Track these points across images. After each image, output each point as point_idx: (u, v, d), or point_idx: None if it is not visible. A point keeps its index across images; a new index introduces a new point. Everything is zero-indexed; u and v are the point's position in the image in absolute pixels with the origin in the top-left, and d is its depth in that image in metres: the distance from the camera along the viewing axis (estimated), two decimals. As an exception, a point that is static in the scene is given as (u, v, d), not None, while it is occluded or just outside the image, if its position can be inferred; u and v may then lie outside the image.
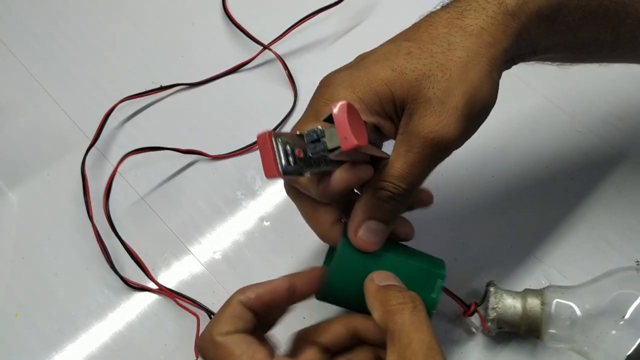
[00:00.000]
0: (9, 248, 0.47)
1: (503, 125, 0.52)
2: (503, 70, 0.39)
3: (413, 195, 0.37)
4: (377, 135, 0.37)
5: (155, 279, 0.46)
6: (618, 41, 0.41)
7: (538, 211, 0.49)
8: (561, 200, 0.49)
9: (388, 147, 0.38)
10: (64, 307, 0.45)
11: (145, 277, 0.46)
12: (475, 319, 0.44)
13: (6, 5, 0.59)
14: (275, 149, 0.31)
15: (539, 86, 0.56)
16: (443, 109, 0.35)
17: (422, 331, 0.32)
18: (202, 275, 0.47)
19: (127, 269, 0.46)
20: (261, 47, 0.56)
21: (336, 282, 0.37)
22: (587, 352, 0.40)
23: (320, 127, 0.31)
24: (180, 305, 0.45)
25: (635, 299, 0.39)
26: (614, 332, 0.39)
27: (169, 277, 0.46)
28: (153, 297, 0.46)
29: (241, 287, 0.46)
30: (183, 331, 0.44)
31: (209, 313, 0.44)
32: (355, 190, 0.39)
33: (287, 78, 0.55)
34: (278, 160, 0.31)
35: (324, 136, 0.31)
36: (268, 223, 0.49)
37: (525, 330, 0.41)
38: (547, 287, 0.42)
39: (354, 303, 0.37)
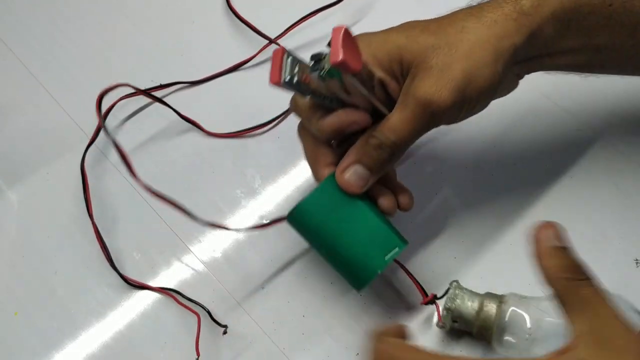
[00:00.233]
0: (9, 247, 0.47)
1: (502, 123, 0.51)
2: (517, 71, 0.42)
3: (400, 150, 0.40)
4: (383, 92, 0.40)
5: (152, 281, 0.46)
6: (634, 48, 0.42)
7: (537, 209, 0.49)
8: (560, 198, 0.49)
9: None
10: (63, 305, 0.45)
11: (146, 275, 0.46)
12: (433, 315, 0.44)
13: (6, 4, 0.59)
14: (284, 63, 0.35)
15: (539, 85, 0.56)
16: (441, 77, 0.38)
17: (610, 306, 0.33)
18: (202, 273, 0.47)
19: (127, 267, 0.46)
20: (266, 42, 0.56)
21: (309, 208, 0.41)
22: None
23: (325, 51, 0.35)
24: (182, 304, 0.45)
25: None
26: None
27: (170, 276, 0.46)
28: (153, 295, 0.46)
29: (241, 286, 0.46)
30: (183, 330, 0.44)
31: (209, 312, 0.44)
32: None
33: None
34: (282, 72, 0.35)
35: (324, 58, 0.35)
36: (267, 221, 0.49)
37: (477, 331, 0.41)
38: (509, 293, 0.41)
39: (316, 236, 0.41)
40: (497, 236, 0.48)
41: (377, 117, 0.40)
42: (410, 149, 0.44)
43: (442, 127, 0.42)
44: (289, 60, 0.36)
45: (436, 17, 0.41)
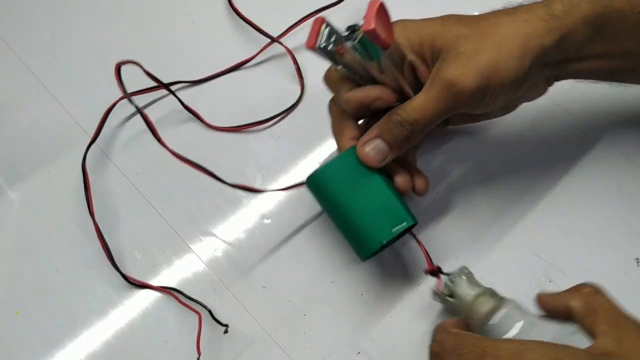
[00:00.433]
0: (10, 246, 0.47)
1: (503, 123, 0.51)
2: (546, 74, 0.43)
3: (420, 129, 0.41)
4: (412, 76, 0.42)
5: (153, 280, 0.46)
6: None
7: (538, 209, 0.49)
8: (561, 198, 0.49)
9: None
10: (65, 304, 0.45)
11: (147, 274, 0.46)
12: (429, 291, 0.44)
13: (7, 4, 0.59)
14: (321, 31, 0.38)
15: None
16: (468, 63, 0.40)
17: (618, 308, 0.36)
18: (203, 272, 0.47)
19: (129, 267, 0.46)
20: (269, 40, 0.56)
21: (328, 175, 0.42)
22: None
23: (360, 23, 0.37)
24: (183, 304, 0.45)
25: None
26: None
27: (171, 275, 0.46)
28: (154, 294, 0.46)
29: (242, 285, 0.46)
30: (184, 329, 0.44)
31: (210, 311, 0.44)
32: None
33: (295, 72, 0.55)
34: (319, 39, 0.38)
35: (358, 29, 0.38)
36: (269, 220, 0.49)
37: (463, 317, 0.41)
38: (511, 299, 0.41)
39: (330, 201, 0.43)
40: (497, 235, 0.48)
41: (404, 99, 0.42)
42: (431, 147, 0.44)
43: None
44: (327, 29, 0.38)
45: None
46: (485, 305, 0.40)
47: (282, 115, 0.54)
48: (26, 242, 0.47)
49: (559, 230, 0.48)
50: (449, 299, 0.41)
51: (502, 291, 0.46)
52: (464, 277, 0.42)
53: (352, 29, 0.39)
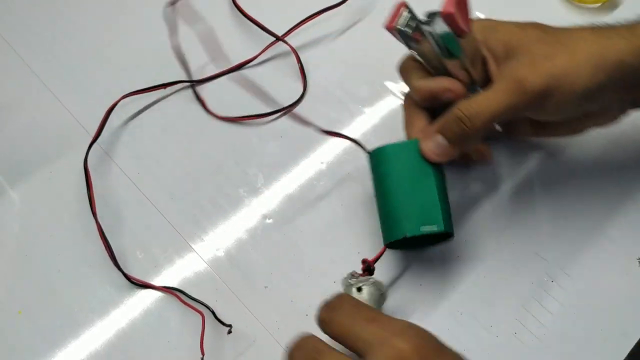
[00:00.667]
0: (12, 246, 0.47)
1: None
2: (623, 95, 0.42)
3: (479, 127, 0.40)
4: (484, 73, 0.42)
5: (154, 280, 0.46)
6: None
7: (539, 208, 0.49)
8: (562, 197, 0.49)
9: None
10: (67, 304, 0.45)
11: (149, 274, 0.46)
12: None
13: (8, 4, 0.59)
14: (400, 13, 0.40)
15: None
16: (539, 64, 0.39)
17: None
18: (205, 272, 0.47)
19: (131, 267, 0.46)
20: (272, 40, 0.56)
21: (389, 154, 0.42)
22: None
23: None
24: (186, 303, 0.45)
25: None
26: None
27: (173, 275, 0.47)
28: (156, 294, 0.46)
29: (244, 285, 0.46)
30: (186, 328, 0.44)
31: (213, 312, 0.44)
32: None
33: (298, 71, 0.55)
34: (397, 20, 0.39)
35: (437, 15, 0.39)
36: (270, 220, 0.49)
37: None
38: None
39: (381, 179, 0.43)
40: (498, 234, 0.48)
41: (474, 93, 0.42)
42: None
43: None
44: (407, 13, 0.39)
45: None
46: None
47: (284, 111, 0.54)
48: (28, 242, 0.47)
49: (560, 229, 0.48)
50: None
51: (503, 292, 0.46)
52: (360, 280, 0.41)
53: (432, 14, 0.39)
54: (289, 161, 0.52)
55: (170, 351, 0.44)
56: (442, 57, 0.41)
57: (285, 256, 0.47)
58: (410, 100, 0.45)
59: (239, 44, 0.57)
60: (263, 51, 0.56)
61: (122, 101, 0.52)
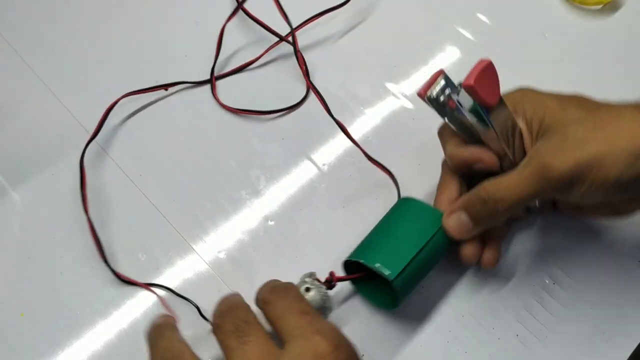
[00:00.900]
0: (14, 248, 0.47)
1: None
2: None
3: (505, 210, 0.39)
4: (522, 146, 0.41)
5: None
6: None
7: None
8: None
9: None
10: (69, 306, 0.45)
11: (150, 275, 0.46)
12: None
13: (8, 3, 0.59)
14: (436, 82, 0.39)
15: (542, 86, 0.56)
16: (570, 149, 0.37)
17: None
18: (206, 274, 0.47)
19: (132, 268, 0.46)
20: (276, 40, 0.56)
21: (409, 208, 0.43)
22: None
23: None
24: (164, 305, 0.45)
25: None
26: None
27: (174, 276, 0.46)
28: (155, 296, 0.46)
29: (246, 286, 0.46)
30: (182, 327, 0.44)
31: (197, 308, 0.44)
32: None
33: (301, 72, 0.55)
34: (431, 89, 0.39)
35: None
36: (272, 222, 0.49)
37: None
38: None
39: (387, 222, 0.44)
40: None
41: (508, 166, 0.42)
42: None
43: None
44: (442, 82, 0.39)
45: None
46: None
47: (286, 111, 0.54)
48: (30, 244, 0.47)
49: (561, 231, 0.48)
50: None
51: (504, 294, 0.46)
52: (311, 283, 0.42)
53: (460, 85, 0.39)
54: (290, 163, 0.52)
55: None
56: (475, 127, 0.41)
57: (286, 258, 0.47)
58: (445, 167, 0.45)
59: (239, 45, 0.57)
60: (266, 51, 0.56)
61: (122, 102, 0.52)
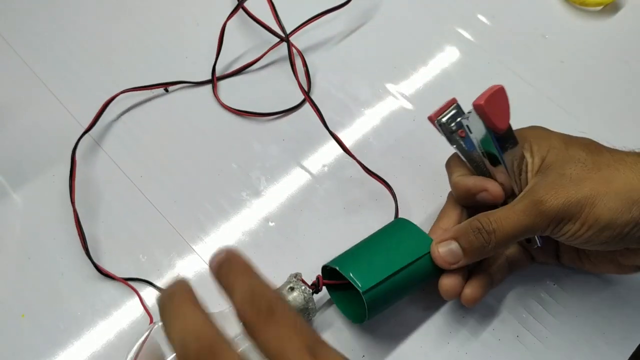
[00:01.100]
0: (15, 249, 0.47)
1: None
2: None
3: (498, 243, 0.39)
4: (526, 178, 0.41)
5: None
6: None
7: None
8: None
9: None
10: (70, 306, 0.45)
11: (151, 277, 0.46)
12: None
13: (8, 3, 0.59)
14: (448, 110, 0.41)
15: (543, 87, 0.56)
16: (566, 186, 0.37)
17: None
18: (206, 275, 0.47)
19: (133, 270, 0.46)
20: (277, 40, 0.56)
21: (402, 228, 0.43)
22: None
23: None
24: (143, 305, 0.45)
25: None
26: None
27: (174, 277, 0.47)
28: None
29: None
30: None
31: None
32: None
33: (303, 73, 0.56)
34: (442, 114, 0.41)
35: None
36: (273, 223, 0.49)
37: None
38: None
39: (378, 234, 0.44)
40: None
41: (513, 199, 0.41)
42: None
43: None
44: (454, 111, 0.41)
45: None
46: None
47: (287, 112, 0.54)
48: (31, 245, 0.47)
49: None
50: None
51: (505, 295, 0.46)
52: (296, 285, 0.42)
53: (470, 112, 0.40)
54: (291, 164, 0.52)
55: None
56: (483, 156, 0.41)
57: (287, 259, 0.47)
58: (451, 197, 0.45)
59: (240, 46, 0.58)
60: (267, 52, 0.57)
61: (122, 102, 0.52)
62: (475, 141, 0.41)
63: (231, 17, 0.55)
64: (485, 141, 0.40)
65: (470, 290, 0.41)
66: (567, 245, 0.43)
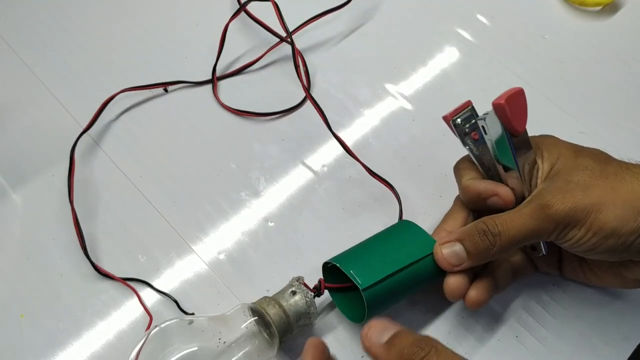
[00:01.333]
0: (14, 249, 0.47)
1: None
2: None
3: (503, 246, 0.38)
4: (536, 184, 0.41)
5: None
6: None
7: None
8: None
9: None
10: (69, 307, 0.45)
11: (151, 277, 0.46)
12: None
13: (7, 4, 0.59)
14: (463, 111, 0.41)
15: (542, 87, 0.56)
16: (569, 192, 0.38)
17: None
18: (206, 275, 0.47)
19: (133, 270, 0.46)
20: (277, 41, 0.56)
21: (405, 229, 0.43)
22: None
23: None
24: (142, 304, 0.45)
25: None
26: None
27: (173, 277, 0.47)
28: (156, 297, 0.46)
29: (246, 288, 0.46)
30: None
31: (176, 302, 0.45)
32: None
33: (303, 73, 0.56)
34: (456, 115, 0.41)
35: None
36: (272, 224, 0.49)
37: None
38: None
39: (383, 233, 0.44)
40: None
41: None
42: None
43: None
44: (469, 113, 0.41)
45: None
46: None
47: (286, 112, 0.54)
48: (30, 246, 0.47)
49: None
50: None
51: (505, 296, 0.46)
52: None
53: (487, 113, 0.40)
54: (290, 164, 0.52)
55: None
56: (496, 160, 0.41)
57: (286, 259, 0.47)
58: (458, 200, 0.45)
59: (239, 47, 0.58)
60: (267, 52, 0.56)
61: (122, 102, 0.52)
62: (489, 143, 0.41)
63: (233, 19, 0.55)
64: (501, 143, 0.40)
65: (475, 292, 0.41)
66: (570, 257, 0.43)
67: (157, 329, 0.40)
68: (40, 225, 0.48)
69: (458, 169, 0.44)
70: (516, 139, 0.39)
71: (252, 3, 0.56)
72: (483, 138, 0.41)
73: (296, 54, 0.53)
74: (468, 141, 0.42)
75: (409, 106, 0.55)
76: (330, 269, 0.43)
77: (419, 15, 0.61)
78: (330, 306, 0.46)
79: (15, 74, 0.55)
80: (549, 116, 0.54)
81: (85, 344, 0.44)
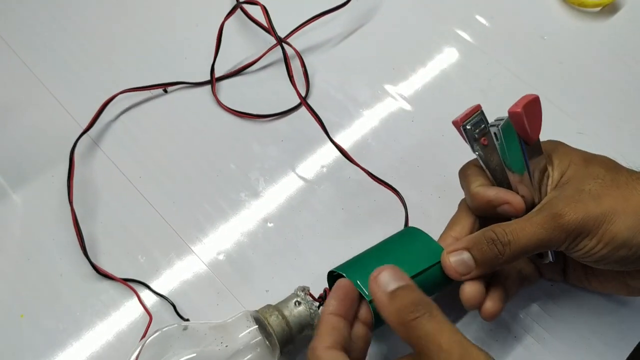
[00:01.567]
0: (14, 249, 0.47)
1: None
2: None
3: (512, 254, 0.38)
4: (546, 192, 0.41)
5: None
6: None
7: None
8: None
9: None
10: (69, 307, 0.45)
11: (150, 278, 0.46)
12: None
13: (7, 4, 0.59)
14: (473, 116, 0.40)
15: (541, 88, 0.56)
16: (581, 201, 0.37)
17: (445, 332, 0.33)
18: (205, 275, 0.47)
19: (132, 271, 0.47)
20: (275, 42, 0.56)
21: (412, 236, 0.42)
22: None
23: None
24: (142, 304, 0.45)
25: None
26: None
27: (173, 278, 0.47)
28: (155, 298, 0.46)
29: (245, 288, 0.46)
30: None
31: (173, 305, 0.45)
32: None
33: (302, 73, 0.56)
34: (466, 120, 0.40)
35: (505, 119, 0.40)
36: (271, 224, 0.49)
37: None
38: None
39: (387, 241, 0.43)
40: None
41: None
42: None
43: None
44: (478, 117, 0.40)
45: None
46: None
47: (285, 113, 0.54)
48: (31, 246, 0.47)
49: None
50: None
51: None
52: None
53: (501, 118, 0.39)
54: (289, 165, 0.52)
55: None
56: (506, 166, 0.40)
57: (285, 260, 0.47)
58: (463, 205, 0.44)
59: (239, 47, 0.58)
60: (265, 53, 0.57)
61: (122, 102, 0.52)
62: (499, 149, 0.40)
63: (229, 17, 0.55)
64: (513, 150, 0.39)
65: (492, 304, 0.40)
66: (574, 264, 0.43)
67: (157, 333, 0.40)
68: (40, 226, 0.48)
69: (465, 174, 0.42)
70: (529, 146, 0.39)
71: (249, 6, 0.56)
72: (493, 144, 0.40)
73: (287, 59, 0.52)
74: (477, 146, 0.41)
75: (408, 107, 0.55)
76: (336, 277, 0.43)
77: (418, 16, 0.61)
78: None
79: (15, 74, 0.56)
80: (548, 117, 0.53)
81: (85, 344, 0.44)
